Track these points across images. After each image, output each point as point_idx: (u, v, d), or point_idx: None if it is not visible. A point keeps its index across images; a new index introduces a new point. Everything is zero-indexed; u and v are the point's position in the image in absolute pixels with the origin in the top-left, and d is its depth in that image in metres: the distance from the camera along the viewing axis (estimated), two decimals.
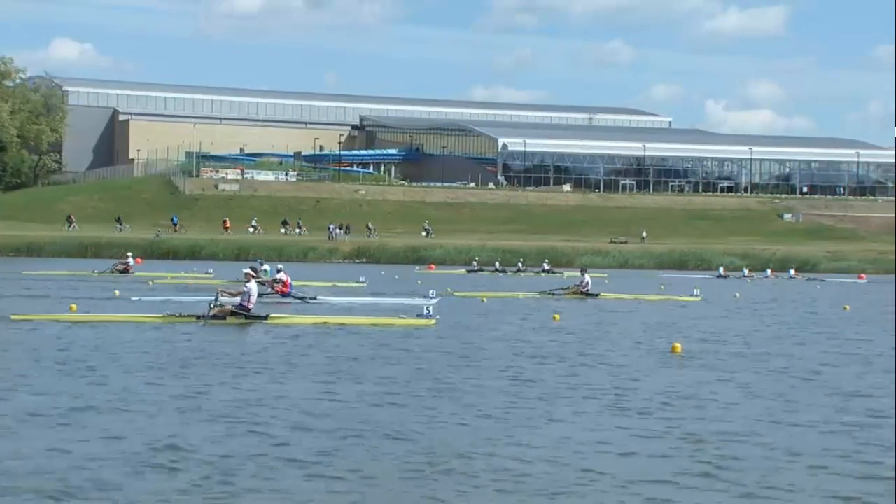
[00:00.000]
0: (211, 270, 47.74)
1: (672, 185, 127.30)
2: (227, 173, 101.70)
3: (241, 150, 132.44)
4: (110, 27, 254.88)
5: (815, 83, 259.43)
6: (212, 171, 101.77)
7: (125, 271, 46.89)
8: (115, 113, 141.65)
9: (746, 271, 63.33)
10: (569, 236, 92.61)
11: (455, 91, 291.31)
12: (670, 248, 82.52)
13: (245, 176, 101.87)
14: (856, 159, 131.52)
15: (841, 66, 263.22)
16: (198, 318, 22.78)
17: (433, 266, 65.08)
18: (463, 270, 62.64)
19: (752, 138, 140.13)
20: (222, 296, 23.77)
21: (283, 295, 30.97)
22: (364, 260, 75.29)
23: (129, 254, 52.23)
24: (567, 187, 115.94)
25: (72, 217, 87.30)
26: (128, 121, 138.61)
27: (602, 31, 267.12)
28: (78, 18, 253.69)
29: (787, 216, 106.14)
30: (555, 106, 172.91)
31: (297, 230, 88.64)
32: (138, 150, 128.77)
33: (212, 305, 23.34)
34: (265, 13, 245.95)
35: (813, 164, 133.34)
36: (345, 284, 41.62)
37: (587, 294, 37.02)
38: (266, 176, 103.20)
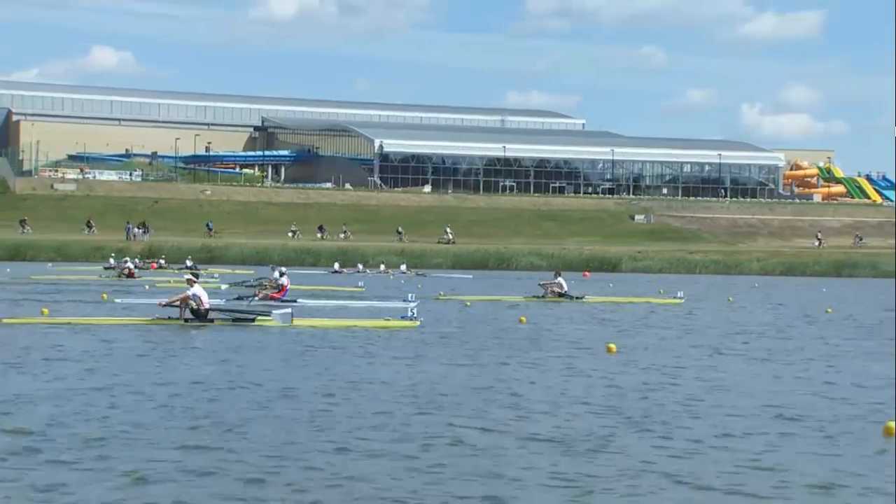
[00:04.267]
0: (216, 276, 47.62)
1: (553, 187, 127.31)
2: (65, 173, 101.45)
3: (127, 150, 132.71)
4: (148, 35, 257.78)
5: (851, 86, 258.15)
6: (50, 171, 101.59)
7: (130, 275, 47.06)
8: (10, 113, 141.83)
9: (361, 266, 61.67)
10: (408, 237, 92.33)
11: (487, 97, 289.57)
12: (475, 248, 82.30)
13: (86, 176, 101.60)
14: (742, 161, 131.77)
15: (876, 69, 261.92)
16: (186, 320, 23.14)
17: (134, 267, 64.20)
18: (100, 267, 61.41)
19: (656, 140, 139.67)
20: (161, 306, 23.63)
21: (273, 300, 30.41)
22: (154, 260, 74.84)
23: (127, 258, 51.82)
24: (427, 188, 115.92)
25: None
26: (18, 121, 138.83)
27: (636, 36, 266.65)
28: (117, 27, 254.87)
29: (639, 217, 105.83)
30: (468, 108, 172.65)
31: (342, 235, 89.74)
32: (23, 151, 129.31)
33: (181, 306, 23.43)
34: (299, 20, 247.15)
35: (707, 168, 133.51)
36: (341, 289, 41.10)
37: (563, 296, 35.72)
38: (109, 176, 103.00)
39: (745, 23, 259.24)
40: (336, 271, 57.90)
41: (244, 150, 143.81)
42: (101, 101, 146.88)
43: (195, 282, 23.57)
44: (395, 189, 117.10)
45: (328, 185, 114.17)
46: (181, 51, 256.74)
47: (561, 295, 35.76)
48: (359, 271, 56.99)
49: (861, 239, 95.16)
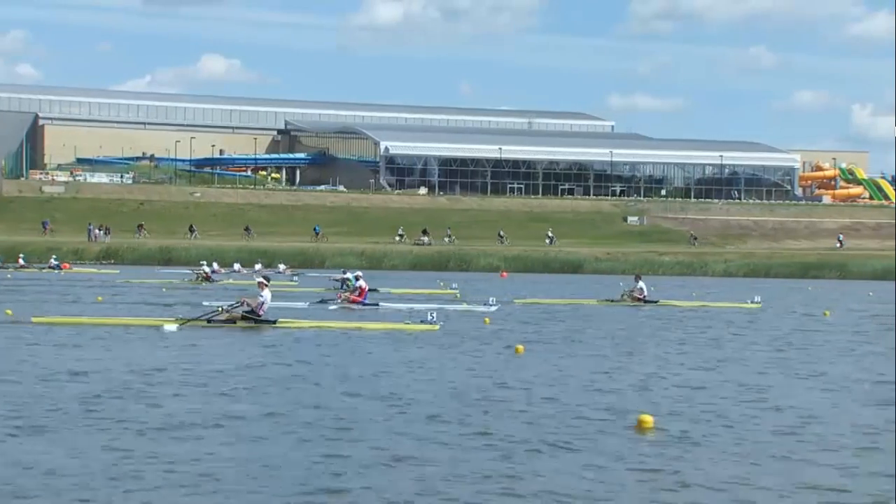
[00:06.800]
0: (296, 278, 48.13)
1: (562, 189, 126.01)
2: (54, 176, 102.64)
3: (143, 154, 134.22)
4: (255, 43, 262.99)
5: None
6: (41, 174, 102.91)
7: (207, 279, 47.40)
8: (37, 118, 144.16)
9: (237, 266, 60.51)
10: (386, 238, 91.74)
11: (590, 101, 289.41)
12: (436, 250, 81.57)
13: (77, 178, 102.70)
14: (757, 162, 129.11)
15: None
16: (209, 321, 23.44)
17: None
18: None
19: (679, 143, 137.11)
20: (244, 306, 23.98)
21: (354, 303, 30.44)
22: (112, 261, 75.22)
23: (203, 262, 52.67)
24: (423, 190, 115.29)
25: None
26: (44, 126, 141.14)
27: (743, 37, 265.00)
28: (227, 36, 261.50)
29: (632, 219, 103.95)
30: (495, 111, 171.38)
31: (446, 239, 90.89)
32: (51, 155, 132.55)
33: (220, 309, 24.20)
34: (403, 26, 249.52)
35: (726, 169, 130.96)
36: (437, 292, 41.67)
37: (644, 301, 34.58)
38: (100, 178, 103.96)
39: (856, 22, 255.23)
40: (213, 271, 57.35)
41: (267, 152, 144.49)
42: (127, 105, 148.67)
43: (266, 285, 23.68)
44: (393, 191, 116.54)
45: (322, 187, 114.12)
46: (287, 57, 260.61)
47: (638, 299, 34.56)
48: (235, 271, 56.39)
49: (842, 242, 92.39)
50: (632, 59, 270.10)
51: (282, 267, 57.23)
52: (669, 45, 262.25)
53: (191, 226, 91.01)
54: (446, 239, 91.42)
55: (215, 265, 58.45)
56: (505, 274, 64.59)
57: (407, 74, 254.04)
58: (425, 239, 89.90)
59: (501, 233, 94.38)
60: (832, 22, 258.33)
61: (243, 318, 23.22)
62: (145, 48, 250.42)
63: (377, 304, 30.82)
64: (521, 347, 19.70)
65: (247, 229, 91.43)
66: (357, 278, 32.08)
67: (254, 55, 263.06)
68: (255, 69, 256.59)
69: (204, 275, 47.85)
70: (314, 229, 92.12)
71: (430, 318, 23.84)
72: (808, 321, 30.68)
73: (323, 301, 30.99)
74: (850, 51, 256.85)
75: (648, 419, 11.47)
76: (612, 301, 34.88)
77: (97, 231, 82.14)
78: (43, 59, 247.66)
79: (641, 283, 35.20)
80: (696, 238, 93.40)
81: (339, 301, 30.44)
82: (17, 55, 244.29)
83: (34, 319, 24.08)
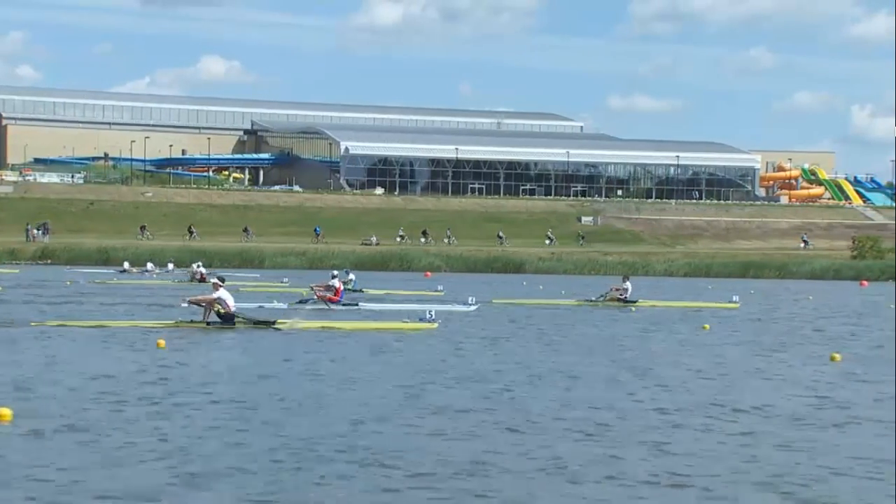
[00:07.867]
0: (286, 279, 47.57)
1: (522, 189, 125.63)
2: (3, 175, 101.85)
3: (105, 154, 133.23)
4: (255, 43, 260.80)
5: None
6: None
7: (202, 280, 46.58)
8: (0, 118, 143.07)
9: (150, 266, 59.24)
10: (335, 239, 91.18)
11: (588, 102, 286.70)
12: (379, 250, 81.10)
13: (26, 178, 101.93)
14: (717, 163, 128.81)
15: None
16: (208, 323, 23.26)
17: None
18: None
19: (644, 143, 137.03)
20: (189, 304, 23.85)
21: (332, 303, 30.47)
22: (48, 261, 74.55)
23: (197, 264, 51.84)
24: (379, 190, 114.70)
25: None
26: (7, 126, 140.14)
27: (742, 39, 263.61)
28: (227, 37, 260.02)
29: (586, 219, 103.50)
30: (464, 111, 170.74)
31: (446, 240, 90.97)
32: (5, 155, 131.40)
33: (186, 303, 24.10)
34: (402, 27, 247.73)
35: (690, 170, 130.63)
36: (423, 293, 41.18)
37: (625, 301, 34.21)
38: (50, 178, 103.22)
39: (856, 23, 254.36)
40: (124, 270, 56.63)
41: (234, 153, 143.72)
42: (93, 105, 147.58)
43: (221, 286, 23.62)
44: (351, 192, 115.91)
45: (277, 187, 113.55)
46: (287, 58, 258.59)
47: (619, 300, 34.20)
48: (147, 270, 55.62)
49: (807, 242, 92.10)
50: (631, 61, 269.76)
51: (170, 266, 56.30)
52: (669, 46, 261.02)
53: (190, 227, 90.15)
54: (446, 240, 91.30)
55: (126, 264, 57.80)
56: (428, 274, 64.11)
57: (406, 75, 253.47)
58: (373, 239, 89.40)
59: (501, 234, 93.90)
60: (832, 23, 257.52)
61: (221, 317, 23.11)
62: (145, 49, 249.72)
63: (356, 304, 30.78)
64: (161, 342, 19.55)
65: (245, 230, 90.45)
66: (333, 277, 32.13)
67: (253, 56, 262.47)
68: (254, 70, 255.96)
69: (200, 276, 47.06)
70: (314, 230, 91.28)
71: (428, 316, 23.83)
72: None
73: (302, 301, 30.81)
74: (849, 52, 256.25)
75: (6, 412, 11.16)
76: (591, 301, 34.50)
77: (35, 231, 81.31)
78: (42, 60, 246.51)
79: (628, 284, 34.92)
80: (583, 237, 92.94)
81: (316, 300, 30.39)
82: (17, 56, 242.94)
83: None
